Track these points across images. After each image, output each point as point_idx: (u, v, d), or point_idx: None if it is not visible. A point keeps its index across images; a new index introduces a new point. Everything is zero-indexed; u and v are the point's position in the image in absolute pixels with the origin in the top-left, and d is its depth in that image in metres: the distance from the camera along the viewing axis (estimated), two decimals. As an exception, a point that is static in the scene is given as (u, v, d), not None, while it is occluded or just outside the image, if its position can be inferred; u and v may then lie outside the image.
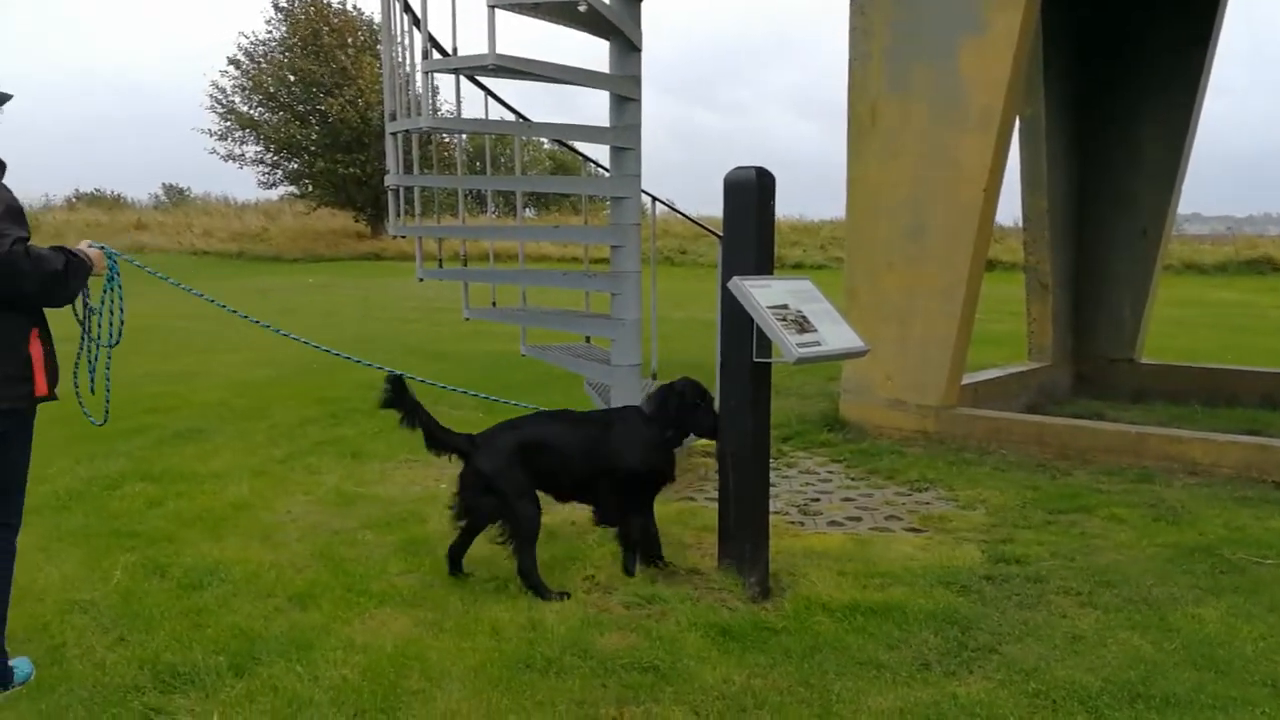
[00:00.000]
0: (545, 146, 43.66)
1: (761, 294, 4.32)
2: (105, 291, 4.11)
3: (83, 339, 4.09)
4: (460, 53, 5.86)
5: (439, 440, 4.76)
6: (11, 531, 3.82)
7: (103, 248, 3.94)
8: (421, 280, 6.54)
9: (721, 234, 6.77)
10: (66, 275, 3.57)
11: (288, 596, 4.66)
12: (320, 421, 8.53)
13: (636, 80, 6.02)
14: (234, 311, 6.64)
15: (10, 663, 3.84)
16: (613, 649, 4.09)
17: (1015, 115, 7.92)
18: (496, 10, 5.41)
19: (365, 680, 3.81)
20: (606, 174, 6.40)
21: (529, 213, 39.02)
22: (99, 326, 4.13)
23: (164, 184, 59.33)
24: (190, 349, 13.29)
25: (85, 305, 4.01)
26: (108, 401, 4.34)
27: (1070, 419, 8.25)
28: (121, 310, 4.18)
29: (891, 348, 7.84)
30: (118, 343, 4.24)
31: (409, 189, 6.48)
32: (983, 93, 7.38)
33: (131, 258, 4.68)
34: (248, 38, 40.75)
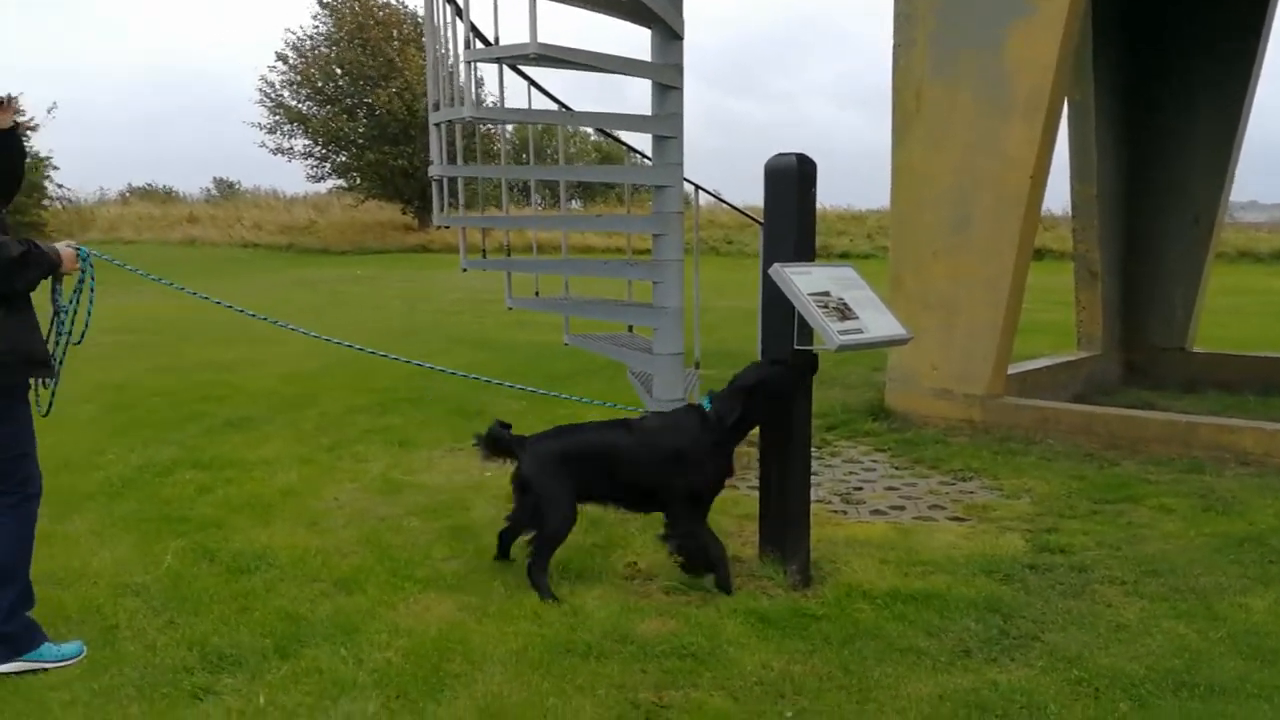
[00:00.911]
0: (592, 138, 43.73)
1: (802, 280, 4.30)
2: (76, 291, 4.17)
3: (50, 333, 4.12)
4: (501, 43, 5.89)
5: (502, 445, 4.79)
6: (18, 500, 3.88)
7: (78, 248, 4.04)
8: (465, 270, 6.59)
9: (761, 222, 6.77)
10: (22, 264, 3.69)
11: (333, 581, 4.74)
12: (368, 411, 8.63)
13: (678, 68, 6.00)
14: (218, 302, 6.71)
15: (61, 646, 3.95)
16: (653, 634, 4.11)
17: (1063, 101, 7.83)
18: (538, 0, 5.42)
19: (408, 663, 3.86)
20: (649, 163, 6.40)
21: (574, 204, 39.08)
22: (69, 322, 4.17)
23: (214, 178, 60.10)
24: (240, 339, 13.45)
25: (55, 302, 4.11)
26: (52, 395, 4.20)
27: (1119, 408, 8.15)
28: (90, 311, 4.20)
29: (937, 337, 7.79)
30: (80, 341, 4.24)
31: (453, 180, 6.52)
32: (1030, 78, 7.31)
33: (111, 257, 4.66)
34: (294, 33, 41.28)
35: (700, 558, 4.66)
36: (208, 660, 3.92)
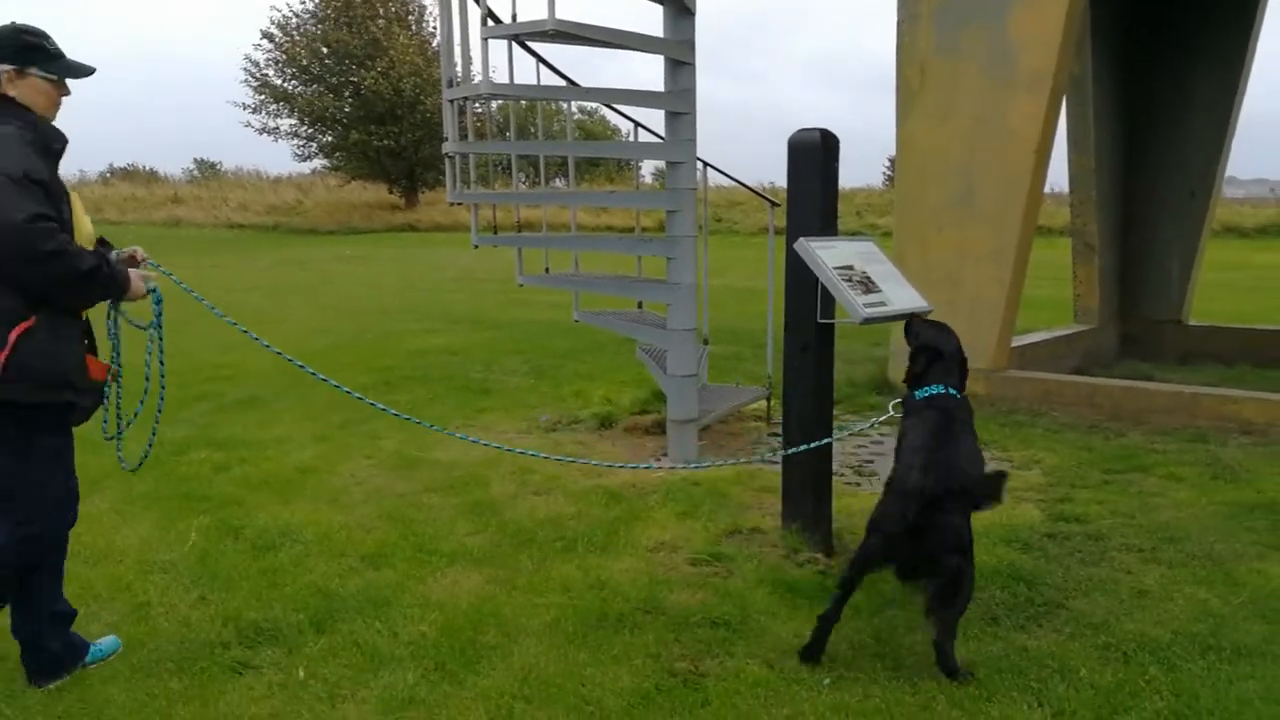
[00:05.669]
0: (576, 116, 43.59)
1: (827, 255, 4.35)
2: (151, 340, 3.77)
3: (111, 384, 3.64)
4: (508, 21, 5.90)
5: None
6: (23, 529, 3.42)
7: (153, 289, 3.58)
8: (476, 247, 6.62)
9: (771, 199, 6.80)
10: (89, 280, 3.26)
11: (360, 556, 4.76)
12: (375, 389, 8.62)
13: (690, 44, 6.03)
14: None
15: (97, 642, 3.81)
16: (683, 605, 4.16)
17: (1067, 76, 7.88)
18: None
19: (443, 636, 3.90)
20: (659, 139, 6.42)
21: (558, 182, 39.10)
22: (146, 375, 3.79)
23: (196, 158, 59.80)
24: (240, 320, 13.40)
25: (111, 331, 3.67)
26: (149, 446, 4.08)
27: (1122, 380, 8.24)
28: (161, 364, 3.81)
29: (941, 311, 7.66)
30: (161, 394, 4.00)
31: (464, 156, 6.53)
32: (1034, 53, 7.35)
33: (178, 279, 4.07)
34: (280, 10, 40.96)
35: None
36: (244, 635, 3.94)
